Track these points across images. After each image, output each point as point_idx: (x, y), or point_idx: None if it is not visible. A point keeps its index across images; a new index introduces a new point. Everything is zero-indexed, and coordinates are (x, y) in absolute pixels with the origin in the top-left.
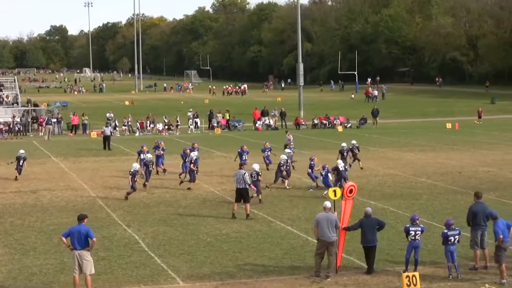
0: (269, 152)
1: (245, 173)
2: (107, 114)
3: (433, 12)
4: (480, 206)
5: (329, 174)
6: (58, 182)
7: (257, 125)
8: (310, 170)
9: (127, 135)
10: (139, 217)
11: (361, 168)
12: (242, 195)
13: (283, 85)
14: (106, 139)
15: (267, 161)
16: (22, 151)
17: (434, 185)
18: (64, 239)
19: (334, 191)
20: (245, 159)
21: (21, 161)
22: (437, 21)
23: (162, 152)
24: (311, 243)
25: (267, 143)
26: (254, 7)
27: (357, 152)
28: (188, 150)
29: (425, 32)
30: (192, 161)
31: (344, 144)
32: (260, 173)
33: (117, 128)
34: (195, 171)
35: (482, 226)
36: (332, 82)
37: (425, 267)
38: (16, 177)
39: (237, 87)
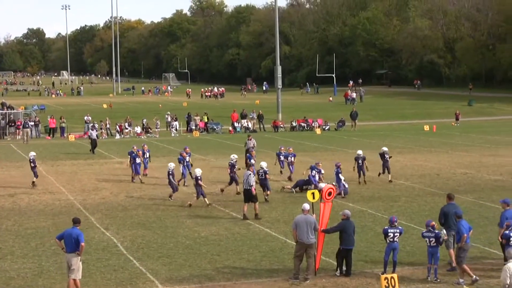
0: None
1: (250, 174)
2: (85, 117)
3: (410, 15)
4: (451, 207)
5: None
6: (36, 186)
7: (236, 127)
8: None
9: (106, 138)
10: (118, 220)
11: (390, 181)
12: (249, 196)
13: (264, 88)
14: (94, 142)
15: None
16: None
17: (412, 187)
18: (58, 241)
19: (313, 193)
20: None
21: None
22: (414, 24)
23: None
24: (290, 245)
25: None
26: (232, 10)
27: (387, 159)
28: (185, 154)
29: (402, 34)
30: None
31: (359, 152)
32: (267, 171)
33: (96, 131)
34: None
35: (453, 226)
36: (307, 84)
37: (404, 269)
38: None
39: (210, 89)
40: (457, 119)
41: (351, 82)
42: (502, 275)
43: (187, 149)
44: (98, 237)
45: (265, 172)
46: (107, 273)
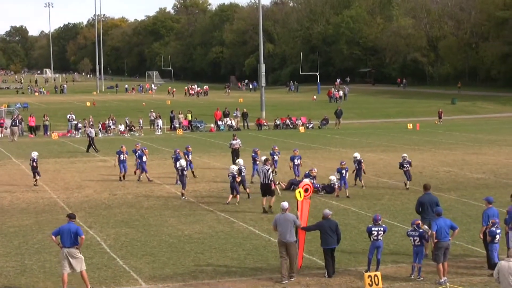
0: None
1: (268, 169)
2: (68, 116)
3: (393, 14)
4: (427, 197)
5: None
6: (19, 184)
7: (219, 125)
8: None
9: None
10: (101, 219)
11: (407, 188)
12: (267, 190)
13: (251, 86)
14: (92, 140)
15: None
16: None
17: (395, 185)
18: (54, 238)
19: (300, 192)
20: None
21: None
22: (398, 23)
23: (127, 155)
24: (274, 243)
25: (189, 147)
26: (215, 8)
27: (408, 167)
28: (190, 148)
29: (386, 33)
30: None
31: (356, 155)
32: (242, 170)
33: (79, 130)
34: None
35: (430, 215)
36: (291, 82)
37: (387, 267)
38: None
39: (191, 87)
40: (440, 117)
41: (338, 81)
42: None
43: (189, 148)
44: None
45: (241, 171)
46: (91, 271)
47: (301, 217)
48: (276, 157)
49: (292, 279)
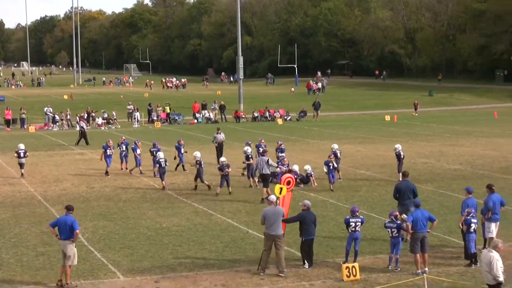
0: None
1: (268, 159)
2: (45, 109)
3: (371, 6)
4: (404, 184)
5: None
6: (25, 177)
7: (197, 117)
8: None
9: (66, 129)
10: (79, 212)
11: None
12: (265, 180)
13: (232, 78)
14: (83, 133)
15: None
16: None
17: (373, 177)
18: (52, 229)
19: (281, 188)
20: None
21: None
22: (375, 15)
23: (113, 150)
24: (252, 235)
25: (181, 141)
26: (193, 1)
27: (402, 156)
28: (182, 141)
29: (364, 25)
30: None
31: (335, 145)
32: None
33: (57, 123)
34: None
35: (407, 201)
36: (269, 75)
37: (365, 258)
38: None
39: (168, 80)
40: (415, 109)
41: (318, 73)
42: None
43: (181, 141)
44: None
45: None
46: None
47: (282, 206)
48: (261, 150)
49: (282, 275)
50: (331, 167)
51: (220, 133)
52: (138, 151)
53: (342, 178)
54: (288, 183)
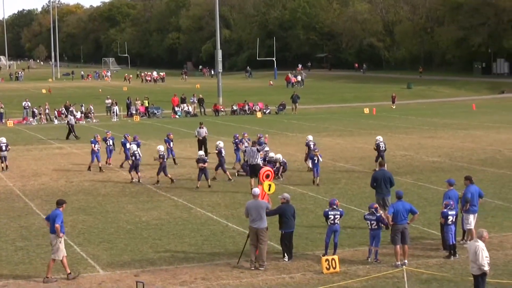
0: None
1: (256, 149)
2: (24, 103)
3: None
4: (381, 173)
5: None
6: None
7: (176, 111)
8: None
9: (45, 124)
10: None
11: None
12: (255, 170)
13: (213, 72)
14: (71, 127)
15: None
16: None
17: (352, 170)
18: (46, 222)
19: (269, 185)
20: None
21: None
22: (354, 7)
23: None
24: (231, 229)
25: (171, 135)
26: None
27: (384, 148)
28: (171, 135)
29: (342, 18)
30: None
31: (310, 137)
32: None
33: (35, 117)
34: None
35: (384, 190)
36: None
37: (344, 251)
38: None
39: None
40: (393, 101)
41: (299, 66)
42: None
43: (171, 135)
44: (38, 223)
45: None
46: (48, 259)
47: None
48: (246, 144)
49: (262, 268)
50: (316, 161)
51: (202, 128)
52: (128, 145)
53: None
54: (267, 176)
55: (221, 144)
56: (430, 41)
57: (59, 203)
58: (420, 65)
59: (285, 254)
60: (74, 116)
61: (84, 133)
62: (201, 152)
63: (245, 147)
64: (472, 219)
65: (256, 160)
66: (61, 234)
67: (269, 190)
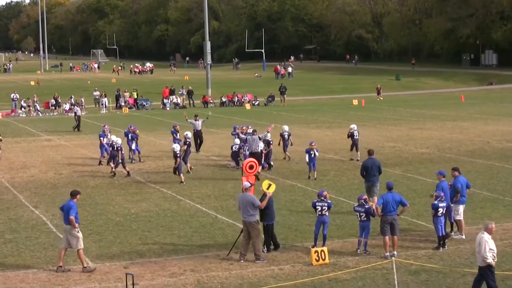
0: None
1: (258, 137)
2: (12, 95)
3: None
4: (370, 161)
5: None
6: None
7: (165, 103)
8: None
9: (33, 116)
10: (47, 198)
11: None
12: (257, 159)
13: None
14: (78, 119)
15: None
16: None
17: (341, 161)
18: (61, 212)
19: (269, 184)
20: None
21: None
22: None
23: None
24: (221, 221)
25: (177, 126)
26: None
27: (357, 137)
28: (177, 126)
29: (331, 9)
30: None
31: (285, 127)
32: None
33: (23, 109)
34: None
35: (373, 178)
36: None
37: (333, 242)
38: None
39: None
40: (378, 93)
41: (292, 58)
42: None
43: (177, 127)
44: (27, 215)
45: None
46: (37, 251)
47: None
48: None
49: (258, 262)
50: (312, 155)
51: (198, 120)
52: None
53: (290, 157)
54: (251, 167)
55: (115, 138)
56: (419, 32)
57: (73, 194)
58: (412, 57)
59: (266, 246)
60: (81, 107)
61: (73, 125)
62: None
63: (246, 135)
64: (461, 210)
65: (257, 148)
66: (76, 225)
67: (267, 188)
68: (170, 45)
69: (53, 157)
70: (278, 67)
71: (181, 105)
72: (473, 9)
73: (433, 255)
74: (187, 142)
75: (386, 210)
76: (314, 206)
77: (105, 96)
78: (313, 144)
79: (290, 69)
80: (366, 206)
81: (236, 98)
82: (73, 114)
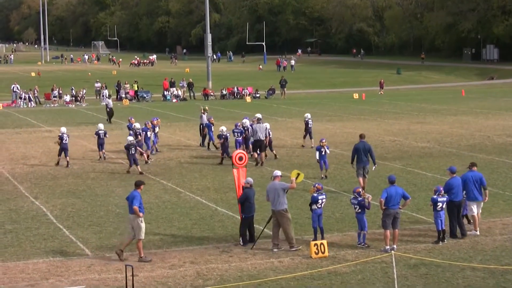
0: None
1: (266, 127)
2: (13, 86)
3: None
4: (361, 144)
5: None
6: None
7: (166, 95)
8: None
9: (34, 107)
10: (47, 189)
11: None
12: (260, 146)
13: (215, 56)
14: (110, 111)
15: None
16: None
17: (341, 155)
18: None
19: (298, 174)
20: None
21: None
22: None
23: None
24: (220, 213)
25: (212, 119)
26: None
27: (311, 125)
28: (212, 119)
29: (332, 3)
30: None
31: (307, 115)
32: (228, 136)
33: (24, 100)
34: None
35: (364, 160)
36: (230, 53)
37: (333, 235)
38: None
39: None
40: (381, 87)
41: (299, 51)
42: None
43: (212, 119)
44: (27, 206)
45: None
46: (37, 242)
47: (238, 188)
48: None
49: (293, 249)
50: (323, 153)
51: (205, 114)
52: (157, 129)
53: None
54: (240, 159)
55: (101, 126)
56: (420, 26)
57: (137, 184)
58: (423, 51)
59: (241, 239)
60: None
61: (73, 116)
62: (223, 128)
63: (250, 124)
64: (473, 207)
65: (262, 135)
66: (140, 214)
67: (296, 179)
68: (171, 37)
69: (54, 148)
70: (280, 59)
71: (181, 97)
72: (475, 3)
73: (433, 249)
74: (224, 136)
75: (390, 204)
76: (316, 200)
77: (106, 88)
78: (324, 141)
79: (293, 62)
80: (359, 199)
81: (237, 91)
82: (105, 106)
